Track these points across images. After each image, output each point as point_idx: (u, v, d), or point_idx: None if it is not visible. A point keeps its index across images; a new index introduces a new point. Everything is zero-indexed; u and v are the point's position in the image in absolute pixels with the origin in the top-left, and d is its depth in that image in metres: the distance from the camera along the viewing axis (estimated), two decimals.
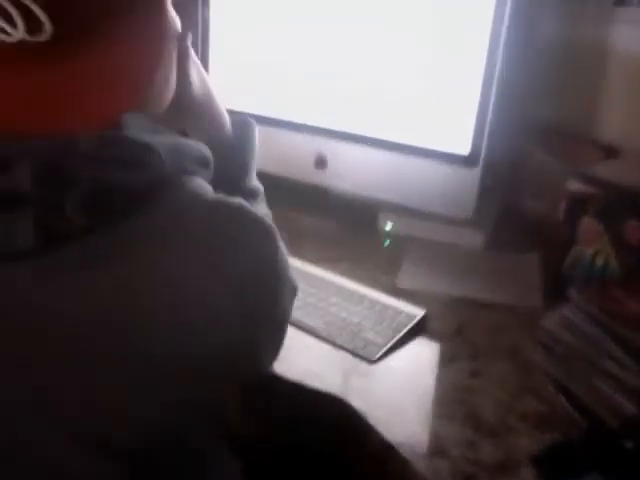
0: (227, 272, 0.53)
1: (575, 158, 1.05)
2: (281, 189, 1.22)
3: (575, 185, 0.97)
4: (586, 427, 0.76)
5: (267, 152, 1.24)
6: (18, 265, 0.49)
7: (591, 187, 0.95)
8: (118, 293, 0.50)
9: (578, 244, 0.94)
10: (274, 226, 0.59)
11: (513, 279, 1.05)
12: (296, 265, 1.08)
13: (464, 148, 1.03)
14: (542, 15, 1.07)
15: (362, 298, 1.00)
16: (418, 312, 0.96)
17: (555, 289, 0.95)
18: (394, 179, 1.12)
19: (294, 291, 0.67)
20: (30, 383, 0.49)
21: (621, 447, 0.72)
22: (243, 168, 0.80)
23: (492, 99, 0.99)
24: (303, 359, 0.89)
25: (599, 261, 0.89)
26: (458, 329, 0.95)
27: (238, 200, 0.58)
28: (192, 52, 0.70)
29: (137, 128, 0.54)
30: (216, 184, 0.64)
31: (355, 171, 1.15)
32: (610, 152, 1.03)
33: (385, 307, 0.98)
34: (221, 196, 0.57)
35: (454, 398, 0.82)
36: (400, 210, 1.14)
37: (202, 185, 0.57)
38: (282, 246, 0.60)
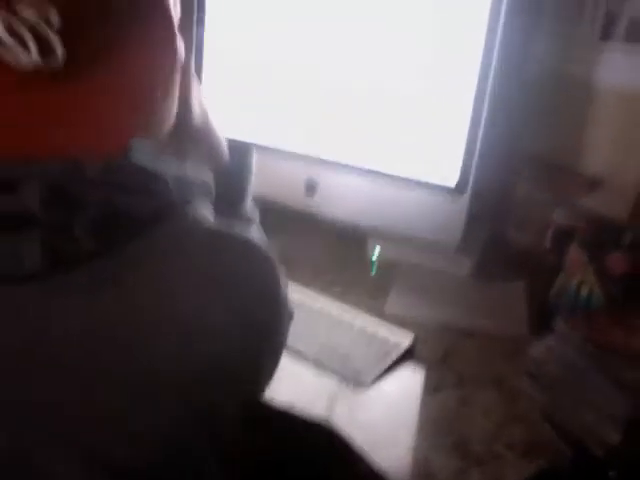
0: (229, 296, 0.54)
1: (560, 189, 1.07)
2: (271, 214, 1.23)
3: (561, 216, 0.99)
4: (571, 456, 0.77)
5: (258, 178, 1.26)
6: (25, 287, 0.49)
7: (576, 218, 0.97)
8: (121, 310, 0.51)
9: (563, 274, 0.96)
10: (272, 253, 0.60)
11: (499, 307, 1.07)
12: None
13: (452, 177, 1.05)
14: (531, 49, 1.09)
15: (351, 324, 1.01)
16: (406, 339, 0.97)
17: (541, 318, 0.97)
18: (383, 206, 1.13)
19: (291, 316, 0.67)
20: (31, 399, 0.49)
21: (605, 476, 0.73)
22: (240, 194, 0.81)
23: (481, 130, 1.02)
24: (292, 385, 0.90)
25: (584, 291, 0.91)
26: (445, 356, 0.96)
27: (238, 227, 0.59)
28: (194, 78, 0.71)
29: (142, 154, 0.55)
30: (214, 209, 0.65)
31: (344, 198, 1.17)
32: (595, 184, 1.06)
33: (374, 334, 0.99)
34: (222, 223, 0.58)
35: (442, 426, 0.83)
36: (388, 237, 1.16)
37: (204, 213, 0.58)
38: (281, 272, 0.61)
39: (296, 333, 0.97)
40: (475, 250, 1.14)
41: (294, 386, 0.89)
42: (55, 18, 0.47)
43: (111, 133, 0.52)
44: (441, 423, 0.83)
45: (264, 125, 1.20)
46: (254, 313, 0.56)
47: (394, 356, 0.94)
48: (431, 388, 0.90)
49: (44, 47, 0.48)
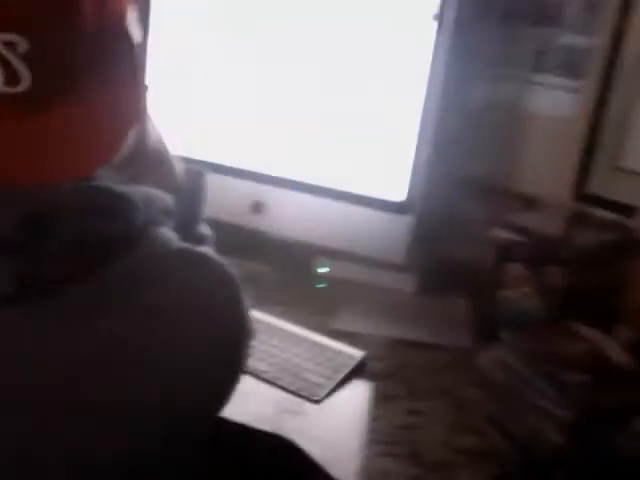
0: (196, 317, 0.55)
1: (499, 208, 1.13)
2: (217, 233, 1.23)
3: (501, 233, 1.05)
4: (520, 459, 0.81)
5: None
6: None
7: (516, 235, 1.02)
8: (97, 341, 0.51)
9: (505, 288, 1.01)
10: (235, 271, 0.61)
11: (444, 321, 1.11)
12: None
13: (398, 196, 1.09)
14: (472, 79, 1.16)
15: (302, 340, 1.02)
16: (357, 353, 0.99)
17: (484, 330, 1.01)
18: (329, 224, 1.16)
19: (253, 334, 0.68)
20: (14, 431, 0.48)
21: (552, 476, 0.77)
22: (194, 215, 0.82)
23: (425, 153, 1.06)
24: (247, 401, 0.90)
25: (525, 303, 0.96)
26: (395, 369, 0.99)
27: (202, 249, 0.60)
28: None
29: (106, 178, 0.55)
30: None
31: (291, 216, 1.19)
32: (529, 203, 1.12)
33: (325, 349, 1.00)
34: (187, 245, 0.59)
35: (396, 436, 0.85)
36: (335, 254, 1.18)
37: (169, 234, 0.59)
38: (244, 291, 0.62)
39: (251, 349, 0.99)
40: (420, 267, 1.18)
41: (250, 403, 0.89)
42: (23, 45, 0.47)
43: (79, 161, 0.51)
44: (396, 433, 0.86)
45: (211, 142, 1.21)
46: (221, 338, 0.58)
47: (346, 370, 0.96)
48: (383, 400, 0.92)
49: (10, 74, 0.48)
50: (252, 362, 0.96)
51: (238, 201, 1.21)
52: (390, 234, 1.12)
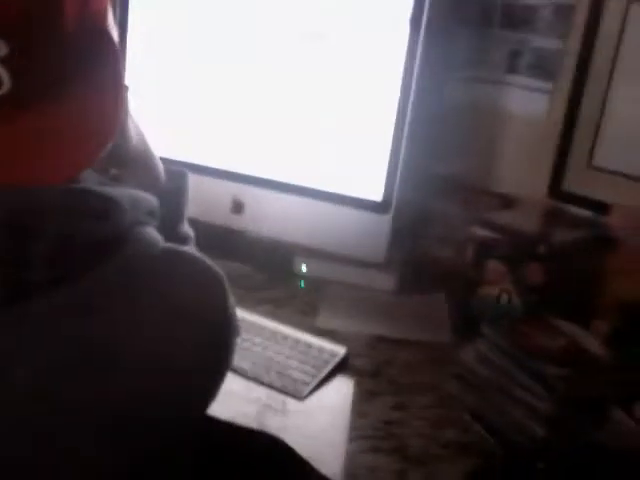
0: (185, 318, 0.55)
1: (475, 207, 1.15)
2: (198, 233, 1.23)
3: (480, 231, 1.07)
4: (502, 452, 0.82)
5: None
6: None
7: (494, 233, 1.04)
8: (81, 343, 0.51)
9: (484, 285, 1.03)
10: (221, 271, 0.62)
11: (424, 318, 1.12)
12: None
13: (376, 196, 1.11)
14: (447, 79, 1.18)
15: (285, 338, 1.03)
16: (340, 350, 1.00)
17: (463, 326, 1.03)
18: (309, 223, 1.17)
19: (238, 332, 0.69)
20: None
21: (534, 468, 0.79)
22: (177, 215, 0.82)
23: (402, 152, 1.08)
24: (232, 399, 0.90)
25: (504, 300, 0.98)
26: (377, 366, 1.00)
27: (187, 248, 0.60)
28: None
29: (90, 180, 0.55)
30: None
31: (271, 215, 1.19)
32: (506, 202, 1.14)
33: (308, 346, 1.01)
34: (173, 245, 0.60)
35: (382, 431, 0.86)
36: (316, 253, 1.19)
37: (154, 234, 0.59)
38: (229, 290, 0.62)
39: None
40: (399, 266, 1.19)
41: (231, 401, 0.90)
42: (2, 49, 0.47)
43: (62, 163, 0.51)
44: (380, 428, 0.87)
45: (190, 142, 1.20)
46: (208, 337, 0.58)
47: (329, 367, 0.97)
48: (367, 397, 0.93)
49: None
50: (235, 360, 0.97)
51: (218, 201, 1.21)
52: (370, 233, 1.13)
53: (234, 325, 0.62)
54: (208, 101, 1.18)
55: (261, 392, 0.92)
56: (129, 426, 0.52)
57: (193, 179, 1.22)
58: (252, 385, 0.93)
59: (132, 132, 0.73)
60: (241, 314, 1.07)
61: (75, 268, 0.51)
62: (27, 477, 0.49)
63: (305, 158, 1.15)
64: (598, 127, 1.08)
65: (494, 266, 1.01)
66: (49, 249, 0.50)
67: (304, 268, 1.23)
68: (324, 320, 1.11)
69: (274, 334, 1.04)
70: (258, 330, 1.04)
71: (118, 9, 1.17)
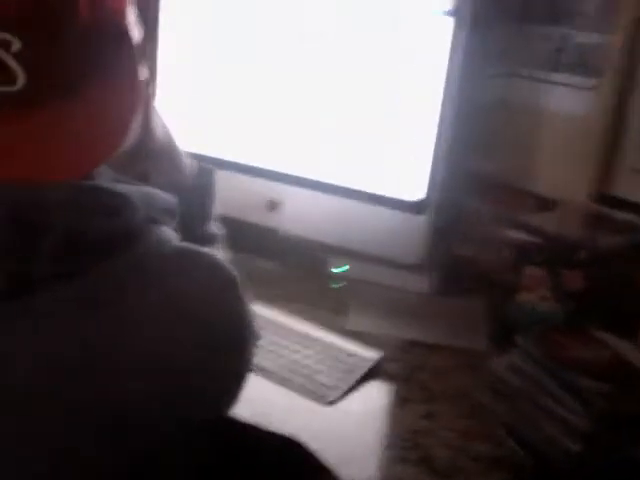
0: (192, 321, 0.54)
1: (515, 208, 1.11)
2: (232, 231, 1.23)
3: (518, 234, 1.03)
4: (533, 467, 0.79)
5: (219, 194, 1.26)
6: None
7: (533, 236, 1.00)
8: (81, 341, 0.50)
9: (521, 290, 1.00)
10: (237, 273, 0.61)
11: (459, 323, 1.09)
12: None
13: (414, 196, 1.08)
14: (488, 77, 1.14)
15: (314, 341, 1.01)
16: (372, 355, 0.98)
17: (500, 333, 1.00)
18: (344, 223, 1.15)
19: (258, 337, 0.67)
20: None
21: None
22: (203, 214, 0.81)
23: (442, 152, 1.05)
24: (257, 402, 0.89)
25: (541, 307, 0.95)
26: (409, 372, 0.97)
27: (203, 248, 0.59)
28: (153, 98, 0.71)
29: (106, 177, 0.54)
30: (179, 229, 0.65)
31: (306, 214, 1.18)
32: (546, 204, 1.10)
33: (339, 350, 0.99)
34: (187, 244, 0.59)
35: (408, 440, 0.84)
36: (349, 254, 1.17)
37: (169, 233, 0.58)
38: (245, 293, 0.61)
39: (260, 351, 0.98)
40: (435, 268, 1.17)
41: (259, 404, 0.89)
42: (16, 45, 0.47)
43: (75, 160, 0.51)
44: (408, 437, 0.84)
45: (227, 140, 1.20)
46: (219, 337, 0.57)
47: (360, 373, 0.95)
48: (397, 404, 0.91)
49: (5, 73, 0.47)
50: (262, 362, 0.96)
51: (254, 199, 1.20)
52: (406, 234, 1.11)
53: (247, 329, 0.60)
54: (246, 98, 1.17)
55: (288, 396, 0.91)
56: (129, 426, 0.52)
57: (229, 177, 1.23)
58: (279, 389, 0.92)
59: (157, 127, 0.72)
60: (271, 315, 1.07)
61: (81, 264, 0.51)
62: (27, 477, 0.49)
63: (342, 156, 1.13)
64: None
65: (532, 271, 0.97)
66: (55, 245, 0.50)
67: (339, 268, 1.21)
68: (355, 322, 1.09)
69: (304, 337, 1.02)
70: (287, 332, 1.03)
71: (150, 7, 1.17)
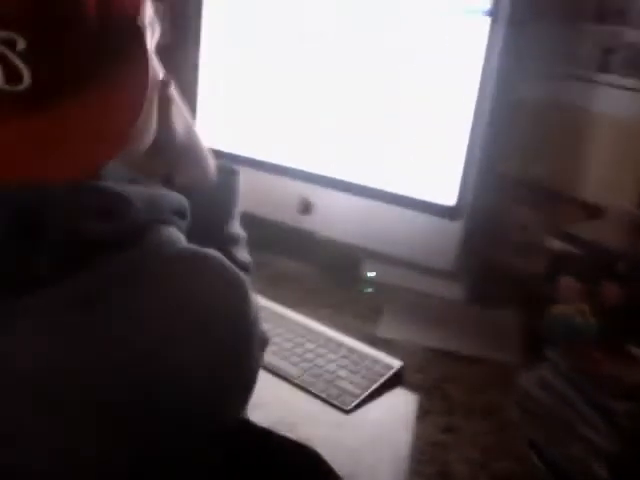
0: (197, 326, 0.53)
1: (558, 216, 1.06)
2: (264, 232, 1.22)
3: (556, 243, 0.98)
4: None
5: (252, 194, 1.24)
6: None
7: (572, 246, 0.95)
8: (79, 342, 0.50)
9: (557, 302, 0.95)
10: (245, 277, 0.59)
11: (492, 334, 1.05)
12: (275, 309, 1.07)
13: (448, 200, 1.04)
14: (530, 76, 1.09)
15: (340, 346, 0.99)
16: (395, 363, 0.95)
17: (534, 346, 0.95)
18: (378, 227, 1.12)
19: (264, 343, 0.66)
20: None
21: None
22: (225, 215, 0.80)
23: (478, 154, 1.01)
24: (275, 405, 0.88)
25: (577, 320, 0.89)
26: (435, 382, 0.94)
27: (210, 251, 0.58)
28: (176, 98, 0.70)
29: (116, 177, 0.54)
30: (197, 229, 0.64)
31: (339, 217, 1.16)
32: (592, 212, 1.04)
33: (362, 356, 0.97)
34: (192, 246, 0.57)
35: (427, 453, 0.81)
36: (382, 258, 1.14)
37: (175, 235, 0.57)
38: (252, 298, 0.59)
39: (283, 353, 0.97)
40: (469, 275, 1.12)
41: (278, 408, 0.87)
42: (21, 44, 0.46)
43: (79, 160, 0.50)
44: (427, 450, 0.81)
45: (261, 140, 1.19)
46: (221, 341, 0.55)
47: (381, 381, 0.92)
48: (418, 414, 0.88)
49: (10, 72, 0.47)
50: (284, 365, 0.95)
51: (287, 200, 1.19)
52: (439, 239, 1.07)
53: (251, 331, 0.59)
54: (281, 99, 1.16)
55: (306, 400, 0.89)
56: (130, 426, 0.51)
57: (263, 177, 1.22)
58: (298, 392, 0.90)
59: (179, 126, 0.72)
60: (298, 318, 1.06)
61: (81, 265, 0.50)
62: (26, 476, 0.49)
63: (376, 159, 1.10)
64: None
65: (569, 283, 0.92)
66: (55, 245, 0.49)
67: (370, 273, 1.19)
68: (385, 328, 1.06)
69: (328, 341, 1.00)
70: (312, 335, 1.01)
71: (192, 4, 1.17)
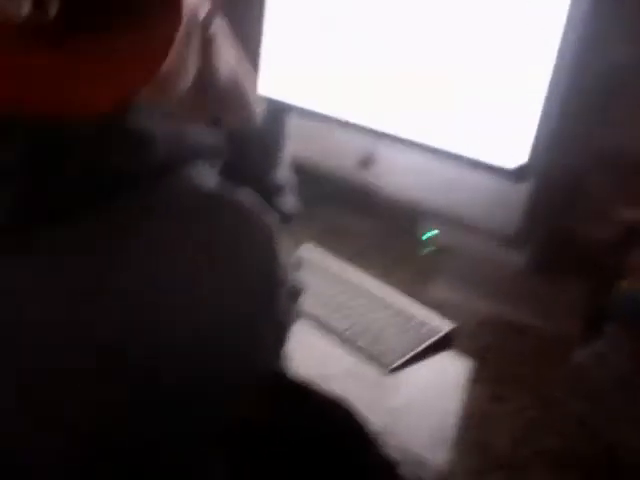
0: (216, 265, 0.51)
1: (634, 187, 0.98)
2: (323, 185, 1.19)
3: (630, 214, 0.91)
4: (607, 469, 0.70)
5: (313, 147, 1.22)
6: None
7: None
8: (85, 279, 0.48)
9: (627, 276, 0.88)
10: (275, 222, 0.57)
11: (552, 305, 0.99)
12: (327, 262, 1.05)
13: (516, 162, 0.98)
14: (617, 39, 1.00)
15: (390, 304, 0.96)
16: (445, 326, 0.92)
17: (595, 322, 0.89)
18: (439, 186, 1.07)
19: (297, 292, 0.63)
20: None
21: None
22: (270, 159, 0.78)
23: (554, 116, 0.94)
24: (316, 358, 0.86)
25: None
26: (485, 350, 0.90)
27: (242, 192, 0.55)
28: (221, 38, 0.68)
29: (146, 113, 0.52)
30: (240, 173, 0.62)
31: (400, 174, 1.11)
32: None
33: (411, 316, 0.94)
34: (223, 187, 0.55)
35: (468, 422, 0.78)
36: (442, 219, 1.10)
37: (204, 174, 0.55)
38: (281, 244, 0.57)
39: (332, 306, 0.95)
40: (534, 242, 1.06)
41: (318, 359, 0.86)
42: None
43: (104, 95, 0.49)
44: (468, 419, 0.78)
45: (325, 93, 1.15)
46: (243, 284, 0.53)
47: (428, 342, 0.89)
48: (463, 381, 0.85)
49: (38, 2, 0.46)
50: (332, 319, 0.93)
51: (347, 155, 1.16)
52: (504, 203, 1.01)
53: (278, 278, 0.56)
54: (348, 52, 1.11)
55: (350, 356, 0.87)
56: (137, 369, 0.50)
57: (324, 129, 1.19)
58: (342, 348, 0.89)
59: (223, 66, 0.69)
60: (350, 272, 1.03)
61: (93, 202, 0.49)
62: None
63: (443, 115, 1.05)
64: None
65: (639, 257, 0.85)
66: (69, 179, 0.48)
67: (428, 233, 1.14)
68: (438, 290, 1.02)
69: (379, 298, 0.98)
70: (363, 292, 0.99)
71: None
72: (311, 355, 0.87)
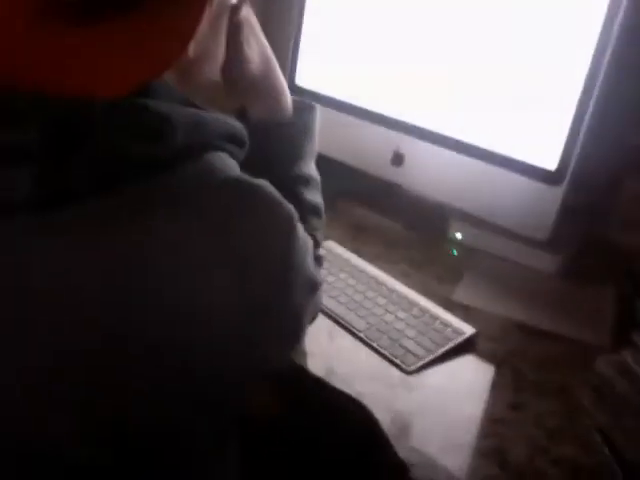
0: (230, 253, 0.51)
1: None
2: (353, 181, 1.18)
3: None
4: None
5: (344, 141, 1.21)
6: (12, 220, 0.48)
7: None
8: (109, 264, 0.48)
9: None
10: (295, 214, 0.56)
11: (582, 312, 0.96)
12: (350, 259, 1.05)
13: (551, 163, 0.95)
14: None
15: (411, 305, 0.95)
16: (467, 329, 0.90)
17: (623, 330, 0.86)
18: (471, 186, 1.05)
19: (314, 286, 0.62)
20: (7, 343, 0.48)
21: None
22: (297, 152, 0.77)
23: (588, 116, 0.91)
24: (334, 357, 0.86)
25: None
26: (507, 356, 0.88)
27: (261, 182, 0.55)
28: (249, 28, 0.67)
29: (167, 98, 0.52)
30: (266, 164, 0.61)
31: (432, 172, 1.10)
32: None
33: (433, 318, 0.92)
34: (242, 175, 0.55)
35: (486, 428, 0.76)
36: (472, 219, 1.07)
37: (223, 161, 0.55)
38: (301, 235, 0.56)
39: (352, 305, 0.94)
40: (566, 247, 1.03)
41: (336, 358, 0.85)
42: None
43: (130, 76, 0.50)
44: (486, 425, 0.76)
45: (359, 87, 1.15)
46: (257, 280, 0.52)
47: (449, 345, 0.87)
48: (486, 386, 0.83)
49: None
50: (351, 317, 0.92)
51: (379, 151, 1.14)
52: (537, 206, 0.99)
53: (296, 270, 0.56)
54: (385, 46, 1.10)
55: (369, 356, 0.86)
56: (168, 364, 0.50)
57: (357, 124, 1.18)
58: (361, 346, 0.88)
59: (253, 55, 0.69)
60: (373, 271, 1.02)
61: (114, 183, 0.49)
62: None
63: (477, 114, 1.03)
64: None
65: None
66: (89, 160, 0.48)
67: (456, 234, 1.12)
68: (462, 293, 1.00)
69: (401, 298, 0.96)
70: (385, 291, 0.97)
71: None
72: (329, 353, 0.86)
